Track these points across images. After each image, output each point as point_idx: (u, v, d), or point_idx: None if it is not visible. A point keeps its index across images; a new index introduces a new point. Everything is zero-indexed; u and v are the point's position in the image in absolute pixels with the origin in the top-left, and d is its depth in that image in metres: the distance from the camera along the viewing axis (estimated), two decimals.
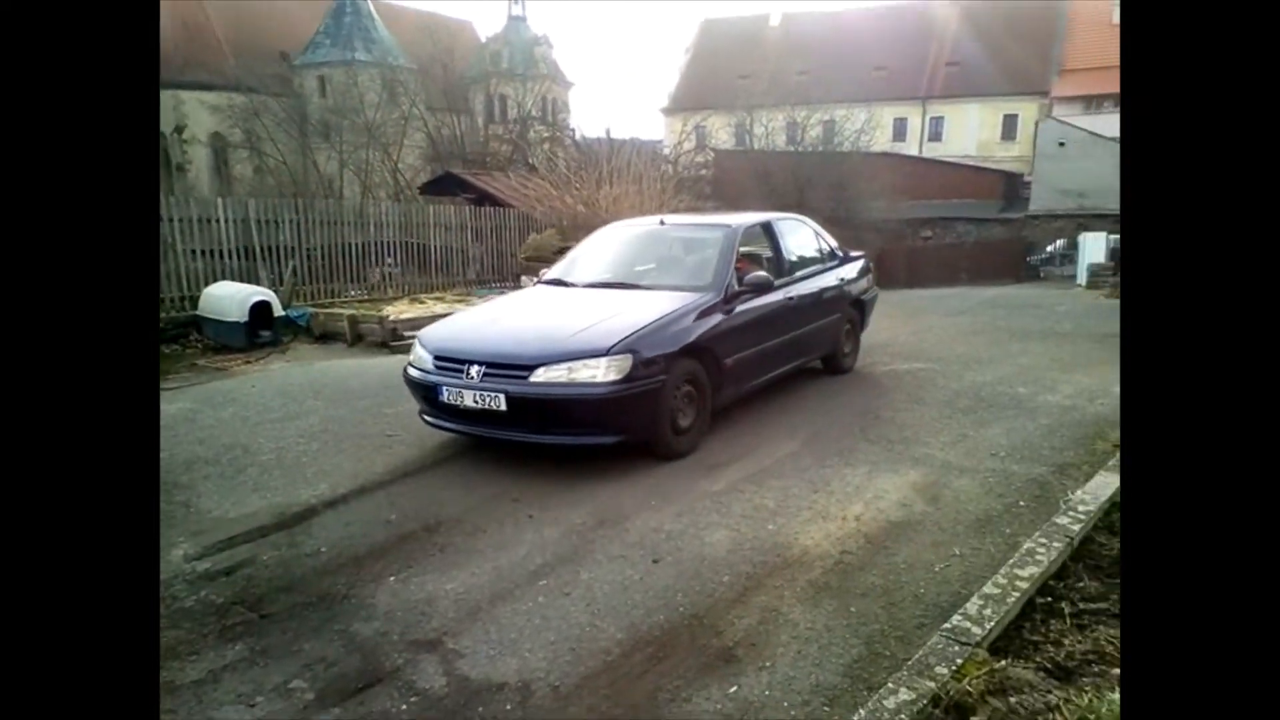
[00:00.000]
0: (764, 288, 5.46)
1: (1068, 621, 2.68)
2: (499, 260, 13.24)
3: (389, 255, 12.36)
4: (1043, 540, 3.13)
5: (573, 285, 5.77)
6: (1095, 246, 19.33)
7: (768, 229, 6.23)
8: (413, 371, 4.93)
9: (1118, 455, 4.24)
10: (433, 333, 5.24)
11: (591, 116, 71.82)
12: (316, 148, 25.53)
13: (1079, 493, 3.70)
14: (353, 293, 11.68)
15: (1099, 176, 27.17)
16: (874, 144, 30.52)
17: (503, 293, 11.71)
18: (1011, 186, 31.07)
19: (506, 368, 4.49)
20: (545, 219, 13.16)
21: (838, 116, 28.67)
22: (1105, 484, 3.74)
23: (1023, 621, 2.70)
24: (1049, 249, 25.37)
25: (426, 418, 5.00)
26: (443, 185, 17.58)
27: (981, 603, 2.68)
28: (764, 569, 3.29)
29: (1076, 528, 3.25)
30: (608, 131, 17.44)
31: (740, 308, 5.26)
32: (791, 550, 3.45)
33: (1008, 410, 5.54)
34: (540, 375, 4.39)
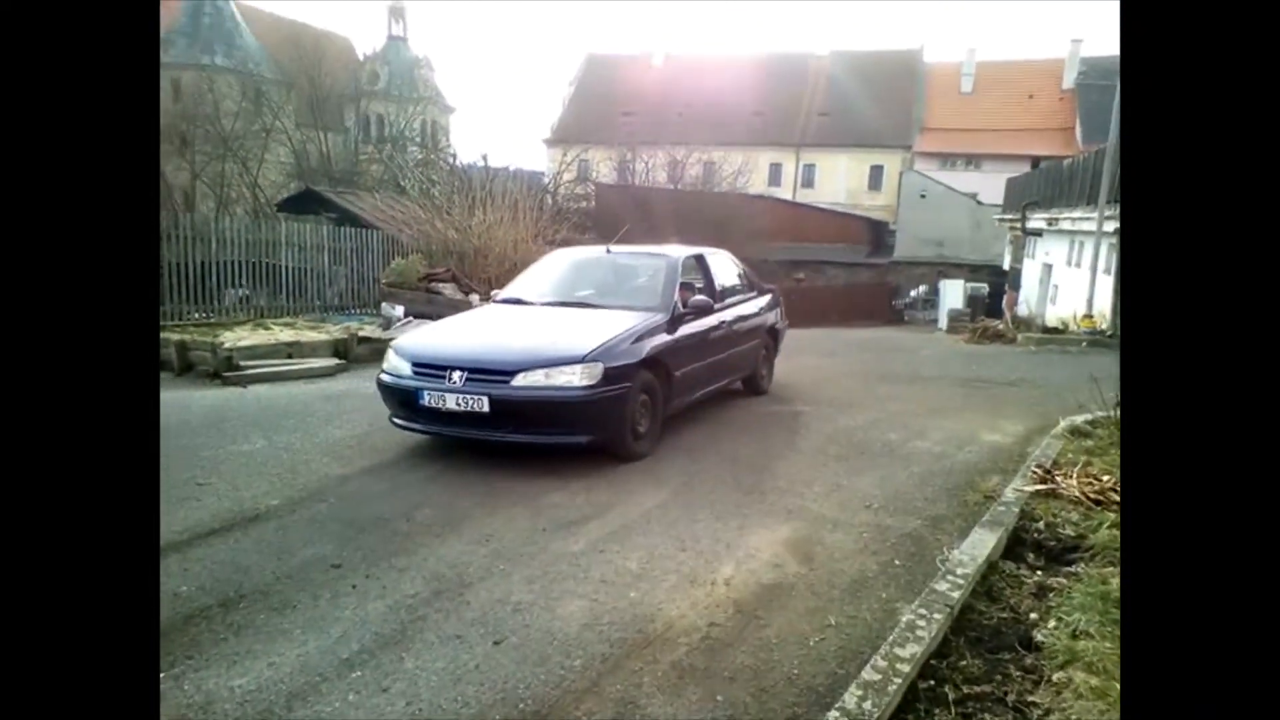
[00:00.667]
0: (705, 310, 6.09)
1: (952, 711, 2.40)
2: (360, 285, 12.37)
3: (242, 277, 11.32)
4: (922, 611, 2.87)
5: (531, 304, 6.19)
6: (954, 293, 20.40)
7: (700, 260, 6.78)
8: (387, 378, 5.20)
9: (990, 508, 4.12)
10: (409, 342, 5.55)
11: (474, 143, 70.96)
12: (165, 157, 23.51)
13: (955, 553, 3.50)
14: (195, 315, 10.58)
15: (955, 228, 29.01)
16: (750, 186, 31.44)
17: (361, 320, 10.93)
18: (878, 233, 32.71)
19: (489, 372, 4.82)
20: (411, 243, 12.43)
21: (716, 157, 29.33)
22: (981, 541, 3.57)
23: (904, 713, 2.39)
24: (912, 294, 26.70)
25: (398, 421, 5.27)
26: (304, 203, 16.45)
27: (860, 693, 2.36)
28: (622, 648, 2.87)
29: (956, 595, 3.01)
30: (484, 157, 16.91)
31: (683, 329, 5.76)
32: (654, 623, 3.05)
33: (880, 458, 5.40)
34: (521, 379, 4.76)
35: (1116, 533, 3.59)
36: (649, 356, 5.20)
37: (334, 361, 8.47)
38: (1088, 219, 15.38)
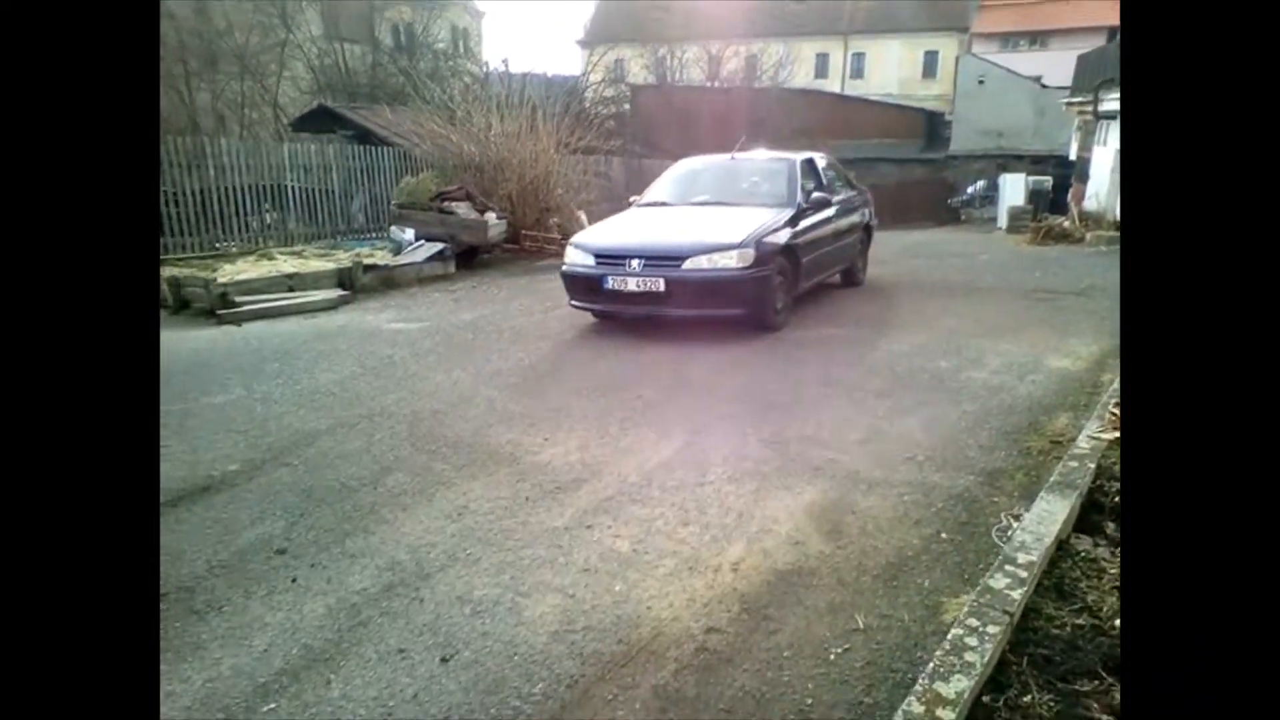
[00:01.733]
0: (823, 205, 7.01)
1: None
2: (375, 206, 11.75)
3: (266, 201, 10.79)
4: (974, 622, 2.24)
5: (673, 205, 7.11)
6: (1015, 188, 18.94)
7: (810, 163, 7.53)
8: (573, 269, 6.26)
9: (1060, 461, 3.42)
10: (589, 238, 6.54)
11: (508, 49, 68.51)
12: (181, 78, 22.64)
13: (1017, 529, 2.83)
14: (199, 247, 10.14)
15: (1017, 116, 26.94)
16: (795, 79, 29.53)
17: (373, 245, 10.37)
18: (933, 126, 30.63)
19: (663, 259, 5.82)
20: (425, 159, 11.68)
21: (756, 49, 27.47)
22: (1048, 514, 2.89)
23: None
24: (969, 190, 25.04)
25: (577, 304, 6.40)
26: (319, 121, 15.69)
27: None
28: (596, 666, 2.33)
29: (1017, 595, 2.37)
30: (505, 62, 15.79)
31: (804, 221, 6.59)
32: (640, 629, 2.49)
33: (928, 392, 4.69)
34: (689, 264, 5.75)
35: None
36: (785, 244, 6.12)
37: (336, 293, 7.93)
38: None
